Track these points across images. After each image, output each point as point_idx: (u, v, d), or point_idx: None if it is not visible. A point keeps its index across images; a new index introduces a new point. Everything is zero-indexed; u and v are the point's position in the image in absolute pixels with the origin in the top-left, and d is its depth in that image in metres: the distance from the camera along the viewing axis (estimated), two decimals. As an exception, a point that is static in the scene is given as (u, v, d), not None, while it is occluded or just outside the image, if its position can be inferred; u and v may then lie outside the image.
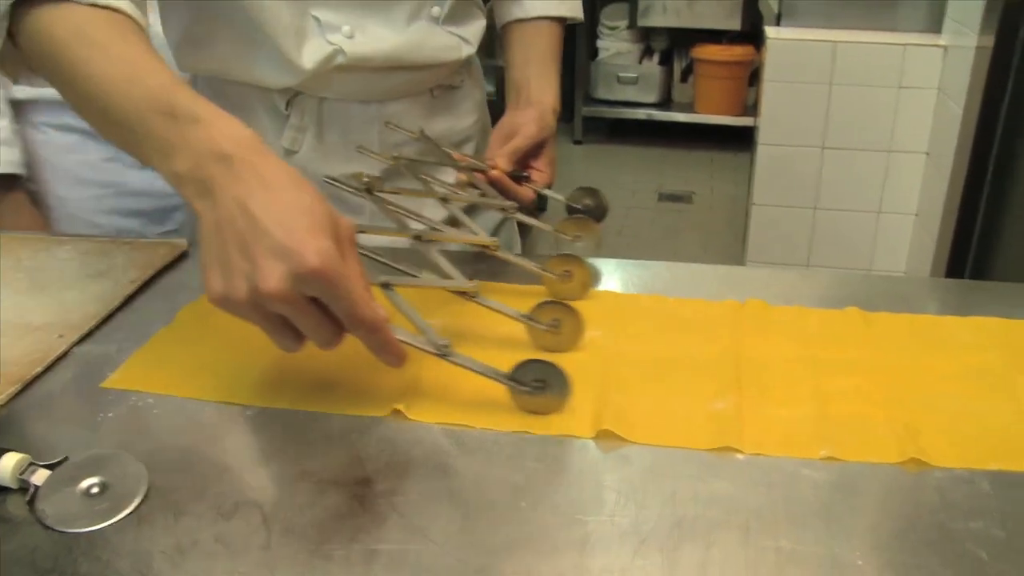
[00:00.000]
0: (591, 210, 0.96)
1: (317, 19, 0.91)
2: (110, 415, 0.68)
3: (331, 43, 0.91)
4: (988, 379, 0.71)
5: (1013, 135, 1.60)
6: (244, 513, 0.57)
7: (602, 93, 3.91)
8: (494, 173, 0.93)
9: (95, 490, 0.59)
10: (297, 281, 0.57)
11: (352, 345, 0.61)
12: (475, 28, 1.02)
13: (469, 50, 1.01)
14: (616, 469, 0.61)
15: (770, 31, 2.13)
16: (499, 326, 0.76)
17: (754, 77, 3.59)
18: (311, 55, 0.91)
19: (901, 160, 2.11)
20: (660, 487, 0.59)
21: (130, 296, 0.84)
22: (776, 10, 2.15)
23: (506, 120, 1.00)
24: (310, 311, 0.59)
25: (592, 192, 0.97)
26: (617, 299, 0.83)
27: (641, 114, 3.83)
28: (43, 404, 0.69)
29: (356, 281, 0.59)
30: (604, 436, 0.64)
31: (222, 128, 0.62)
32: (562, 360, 0.67)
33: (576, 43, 3.76)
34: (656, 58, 3.81)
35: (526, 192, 0.95)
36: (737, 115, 3.67)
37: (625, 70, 3.84)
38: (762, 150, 2.19)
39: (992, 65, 1.59)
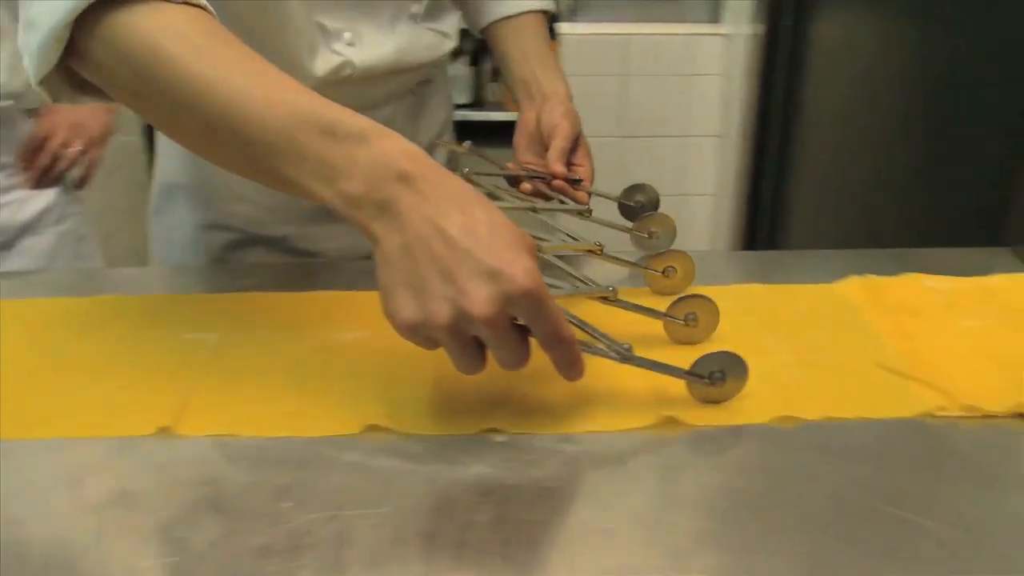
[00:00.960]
0: (646, 205, 0.97)
1: (321, 25, 0.88)
2: None
3: (337, 53, 0.89)
4: (737, 342, 0.74)
5: (789, 114, 1.70)
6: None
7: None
8: (557, 183, 0.93)
9: None
10: (507, 303, 0.55)
11: (108, 363, 0.59)
12: (452, 21, 1.01)
13: (450, 44, 1.00)
14: (381, 461, 0.62)
15: (564, 27, 2.20)
16: (631, 326, 0.76)
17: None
18: (322, 63, 0.89)
19: (696, 144, 2.21)
20: (421, 474, 0.60)
21: None
22: (572, 5, 2.23)
23: (528, 119, 0.98)
24: (511, 333, 0.57)
25: (641, 188, 0.97)
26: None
27: (455, 116, 3.84)
28: None
29: (552, 299, 0.58)
30: (373, 431, 0.65)
31: (393, 145, 0.58)
32: (330, 362, 0.67)
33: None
34: (466, 59, 3.84)
35: (582, 195, 0.94)
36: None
37: (438, 72, 3.85)
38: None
39: (765, 51, 1.69)
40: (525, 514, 0.57)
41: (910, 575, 0.53)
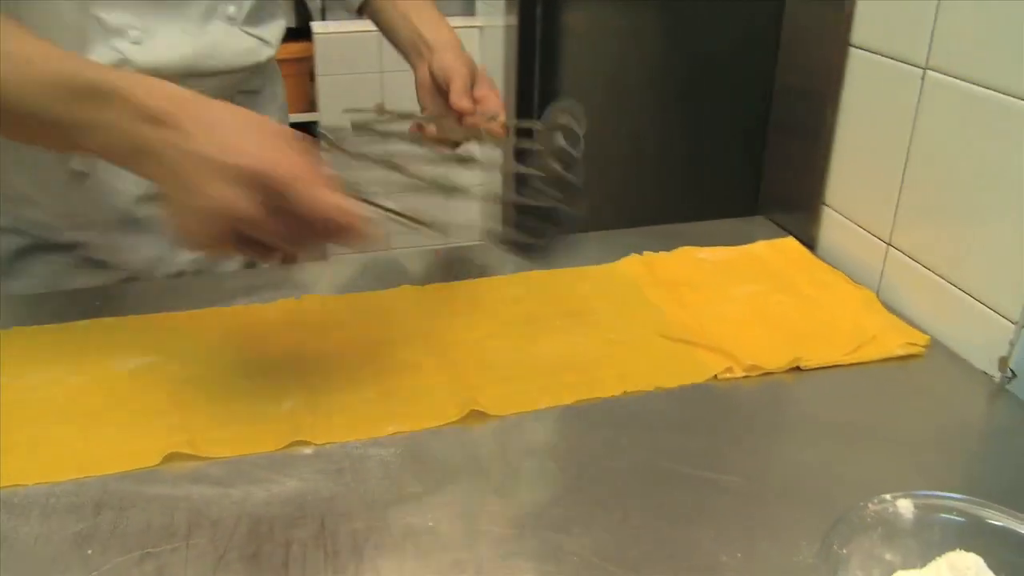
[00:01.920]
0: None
1: (100, 20, 0.81)
2: None
3: (116, 50, 0.82)
4: (530, 327, 0.77)
5: (548, 101, 1.76)
6: None
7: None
8: (469, 119, 0.88)
9: None
10: (241, 188, 0.56)
11: None
12: (275, 28, 0.96)
13: (269, 52, 0.95)
14: (187, 490, 0.59)
15: (317, 26, 2.16)
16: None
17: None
18: (95, 59, 0.80)
19: (460, 135, 2.24)
20: (232, 498, 0.58)
21: None
22: (320, 4, 2.19)
23: (423, 74, 0.94)
24: (270, 221, 0.58)
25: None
26: (170, 319, 0.79)
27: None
28: None
29: (310, 178, 0.58)
30: (173, 460, 0.61)
31: (145, 90, 0.60)
32: (117, 393, 0.64)
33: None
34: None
35: (496, 127, 0.90)
36: (304, 111, 3.69)
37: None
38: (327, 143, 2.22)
39: (519, 41, 1.73)
40: (346, 524, 0.56)
41: (718, 528, 0.56)
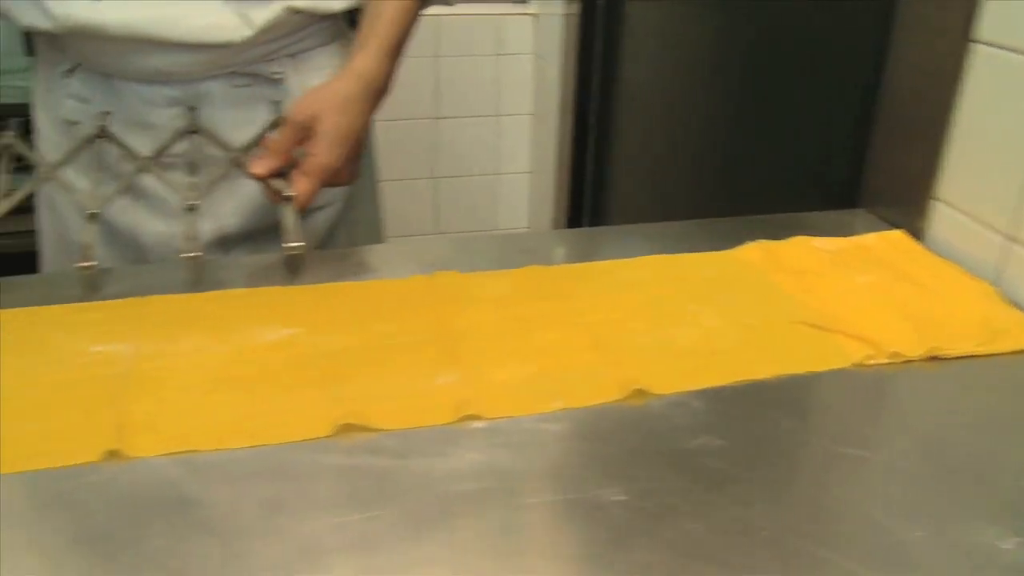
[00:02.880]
0: None
1: None
2: None
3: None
4: (665, 309, 0.77)
5: (608, 89, 1.76)
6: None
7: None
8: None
9: None
10: None
11: (37, 394, 0.52)
12: (266, 11, 0.90)
13: (246, 33, 0.90)
14: (367, 461, 0.58)
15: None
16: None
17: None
18: (62, 10, 0.83)
19: (509, 123, 2.24)
20: (414, 469, 0.58)
21: None
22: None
23: None
24: None
25: None
26: (299, 292, 0.79)
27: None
28: None
29: None
30: (344, 431, 0.61)
31: None
32: (268, 363, 0.65)
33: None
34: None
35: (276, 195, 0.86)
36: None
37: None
38: (378, 127, 2.21)
39: (581, 30, 1.73)
40: (536, 496, 0.56)
41: (900, 508, 0.56)
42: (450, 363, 0.68)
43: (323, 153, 0.84)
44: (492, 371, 0.67)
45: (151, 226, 0.99)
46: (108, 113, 0.92)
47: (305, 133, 0.84)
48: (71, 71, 0.96)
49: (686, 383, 0.67)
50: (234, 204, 0.99)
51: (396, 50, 0.92)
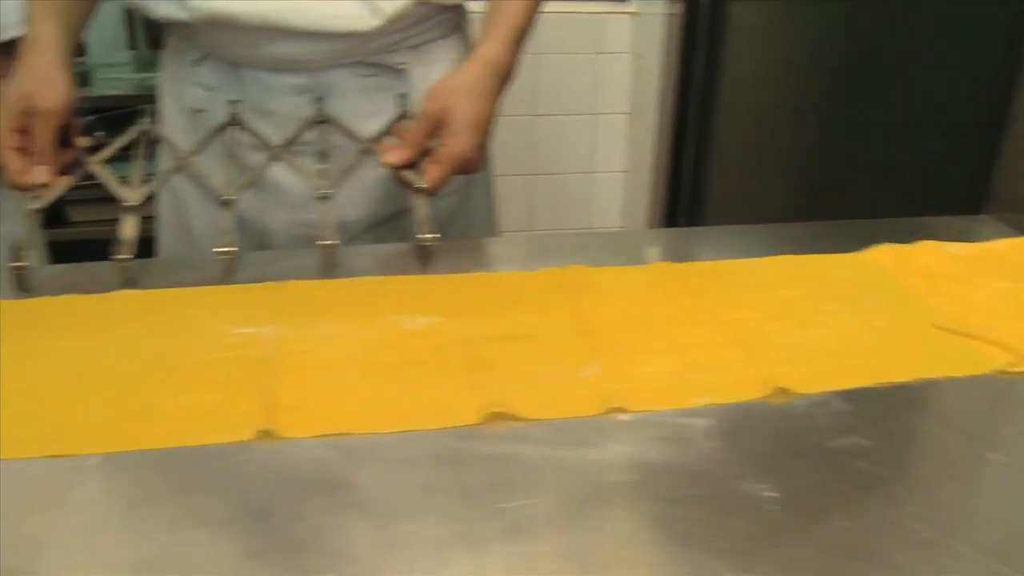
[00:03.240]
0: None
1: None
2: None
3: None
4: (800, 310, 0.77)
5: (709, 89, 1.75)
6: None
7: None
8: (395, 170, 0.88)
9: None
10: None
11: (185, 373, 0.57)
12: (395, 1, 0.92)
13: (375, 22, 0.91)
14: (518, 449, 0.59)
15: (473, 6, 2.16)
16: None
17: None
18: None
19: (605, 121, 2.24)
20: (566, 459, 0.58)
21: None
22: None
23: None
24: None
25: None
26: (443, 281, 0.80)
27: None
28: None
29: (4, 152, 0.79)
30: (490, 419, 0.61)
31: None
32: (411, 350, 0.67)
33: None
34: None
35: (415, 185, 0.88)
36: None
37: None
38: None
39: (684, 29, 1.73)
40: (690, 490, 0.56)
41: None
42: (591, 355, 0.68)
43: (457, 142, 0.85)
44: (634, 365, 0.67)
45: (275, 214, 1.01)
46: (238, 101, 0.95)
47: (437, 123, 0.86)
48: (199, 60, 0.98)
49: (827, 383, 0.66)
50: (356, 193, 1.00)
51: (521, 37, 0.93)
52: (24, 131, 0.83)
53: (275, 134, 0.93)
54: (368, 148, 0.91)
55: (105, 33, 2.74)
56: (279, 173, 0.98)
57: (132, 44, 2.92)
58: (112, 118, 2.59)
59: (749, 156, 1.65)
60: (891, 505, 0.56)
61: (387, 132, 0.93)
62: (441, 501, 0.55)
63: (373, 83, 0.98)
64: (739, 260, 0.85)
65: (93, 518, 0.53)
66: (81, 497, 0.55)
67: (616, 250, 0.89)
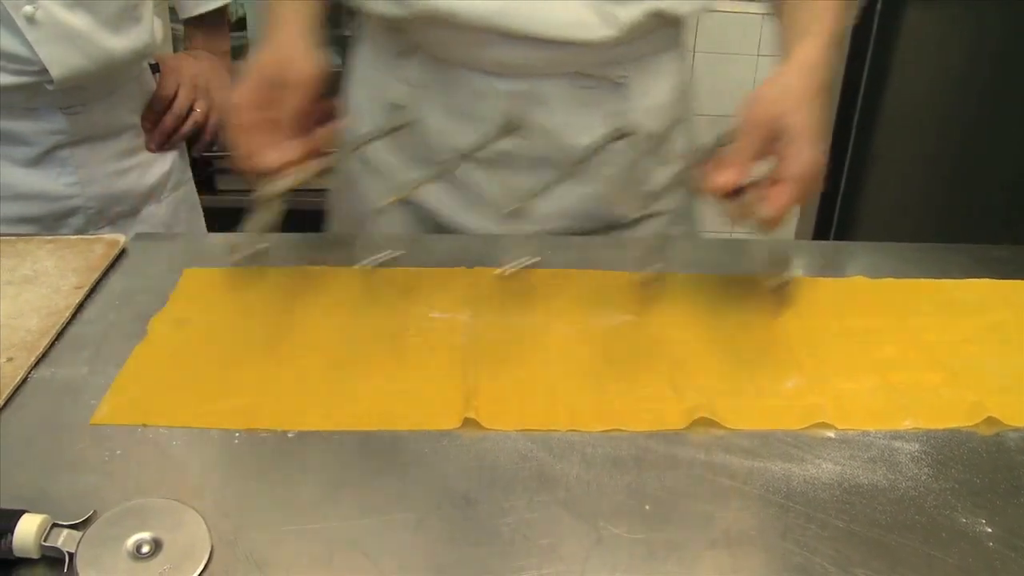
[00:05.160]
0: None
1: None
2: (118, 454, 0.57)
3: None
4: (1001, 336, 0.73)
5: (874, 99, 1.70)
6: (346, 558, 0.50)
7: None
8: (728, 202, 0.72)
9: (146, 548, 0.50)
10: None
11: (383, 355, 0.60)
12: (633, 10, 0.85)
13: (607, 32, 0.84)
14: (723, 459, 0.58)
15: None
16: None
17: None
18: None
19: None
20: (773, 473, 0.57)
21: (78, 305, 0.72)
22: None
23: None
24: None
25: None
26: (635, 278, 0.79)
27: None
28: (17, 447, 0.57)
29: (234, 128, 0.74)
30: (696, 425, 0.61)
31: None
32: (611, 348, 0.66)
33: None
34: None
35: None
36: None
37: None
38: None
39: (852, 34, 1.68)
40: (883, 516, 0.54)
41: None
42: (794, 367, 0.67)
43: (803, 157, 0.69)
44: (837, 380, 0.66)
45: (467, 216, 0.97)
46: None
47: (770, 134, 0.70)
48: (406, 55, 0.94)
49: (977, 412, 0.64)
50: (555, 210, 0.93)
51: (837, 39, 0.81)
52: (266, 106, 0.75)
53: (471, 137, 0.88)
54: (575, 164, 0.85)
55: (265, 8, 2.82)
56: (477, 176, 0.94)
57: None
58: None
59: (913, 170, 1.59)
60: (1122, 552, 0.53)
61: (597, 150, 0.85)
62: (651, 506, 0.54)
63: (587, 96, 0.91)
64: (935, 280, 0.82)
65: (296, 493, 0.55)
66: (281, 472, 0.57)
67: (805, 259, 0.86)
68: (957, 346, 0.71)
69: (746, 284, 0.79)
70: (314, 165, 0.75)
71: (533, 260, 0.76)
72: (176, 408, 0.61)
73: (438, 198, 0.96)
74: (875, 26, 1.62)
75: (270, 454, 0.58)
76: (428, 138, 0.92)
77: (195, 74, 1.10)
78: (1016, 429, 0.63)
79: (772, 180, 0.69)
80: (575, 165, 0.84)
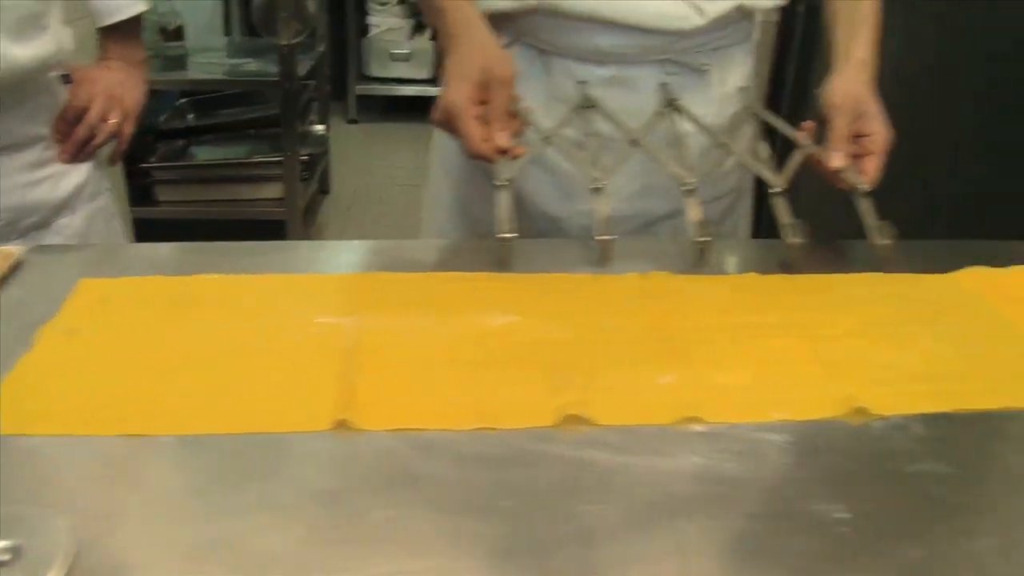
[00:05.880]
0: None
1: None
2: (-6, 465, 0.58)
3: None
4: (887, 329, 0.75)
5: (799, 101, 1.72)
6: (209, 558, 0.51)
7: (375, 71, 3.81)
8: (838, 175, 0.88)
9: (5, 557, 0.50)
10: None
11: (264, 360, 0.60)
12: (720, 4, 0.95)
13: (697, 21, 0.94)
14: (590, 454, 0.59)
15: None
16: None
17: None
18: None
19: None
20: (638, 467, 0.58)
21: (-38, 319, 0.72)
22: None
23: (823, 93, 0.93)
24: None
25: None
26: (523, 280, 0.81)
27: (414, 90, 3.80)
28: None
29: (467, 121, 0.83)
30: (565, 422, 0.62)
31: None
32: (492, 349, 0.67)
33: (346, 20, 3.67)
34: (427, 33, 3.78)
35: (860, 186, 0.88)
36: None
37: (397, 46, 3.77)
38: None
39: (779, 37, 1.70)
40: (756, 507, 0.56)
41: None
42: (671, 363, 0.68)
43: (884, 129, 0.87)
44: (713, 375, 0.67)
45: (561, 203, 1.04)
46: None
47: (857, 116, 0.88)
48: (507, 45, 1.00)
49: (909, 406, 0.65)
50: (628, 188, 1.01)
51: (879, 37, 0.96)
52: (480, 103, 0.86)
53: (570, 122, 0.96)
54: (635, 140, 0.92)
55: (202, 18, 2.82)
56: (564, 161, 0.99)
57: (227, 31, 3.00)
58: (204, 102, 2.67)
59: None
60: (967, 536, 0.54)
61: (654, 125, 0.94)
62: (512, 501, 0.55)
63: (676, 81, 1.00)
64: (826, 275, 0.83)
65: (166, 496, 0.55)
66: (155, 476, 0.57)
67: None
68: (839, 340, 0.73)
69: (631, 282, 0.80)
70: (522, 151, 0.87)
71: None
72: (54, 417, 0.61)
73: (535, 186, 1.03)
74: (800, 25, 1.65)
75: (144, 459, 0.58)
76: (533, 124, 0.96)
77: (109, 85, 1.09)
78: (883, 418, 0.64)
79: (867, 153, 0.87)
80: (643, 137, 0.92)
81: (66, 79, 1.09)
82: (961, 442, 0.63)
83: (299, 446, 0.60)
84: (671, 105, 0.96)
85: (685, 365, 0.68)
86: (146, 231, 1.17)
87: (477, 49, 0.88)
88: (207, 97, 2.67)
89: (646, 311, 0.75)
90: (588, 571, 0.50)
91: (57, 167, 1.06)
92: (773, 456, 0.60)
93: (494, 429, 0.61)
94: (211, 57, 2.52)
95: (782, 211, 0.87)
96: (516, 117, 0.88)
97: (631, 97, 0.98)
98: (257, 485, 0.56)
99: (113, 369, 0.66)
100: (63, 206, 1.07)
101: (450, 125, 0.86)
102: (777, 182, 0.87)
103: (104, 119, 1.08)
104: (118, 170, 2.23)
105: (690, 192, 0.86)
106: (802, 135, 0.92)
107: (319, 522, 0.54)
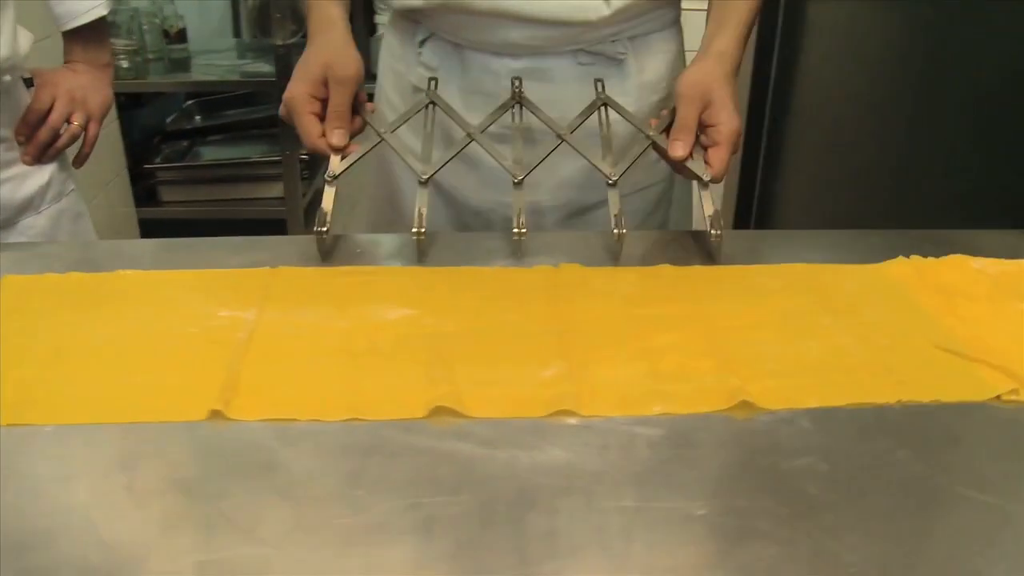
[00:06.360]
0: None
1: None
2: None
3: None
4: (795, 321, 0.73)
5: (784, 92, 1.70)
6: (57, 543, 0.51)
7: (384, 70, 3.83)
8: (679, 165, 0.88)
9: None
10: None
11: (138, 344, 0.59)
12: None
13: (603, 12, 0.95)
14: (453, 446, 0.59)
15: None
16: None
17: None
18: None
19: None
20: (498, 460, 0.57)
21: None
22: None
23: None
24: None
25: None
26: (428, 274, 0.80)
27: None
28: None
29: (304, 116, 0.87)
30: (438, 414, 0.61)
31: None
32: (380, 341, 0.66)
33: (353, 20, 3.68)
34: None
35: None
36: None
37: (406, 47, 3.78)
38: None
39: (759, 30, 1.67)
40: (613, 501, 0.54)
41: (1000, 560, 0.51)
42: (559, 356, 0.67)
43: (731, 120, 0.85)
44: (599, 368, 0.66)
45: (482, 194, 1.05)
46: (434, 79, 0.98)
47: (704, 105, 0.86)
48: (423, 42, 1.03)
49: (798, 400, 0.63)
50: (553, 180, 1.03)
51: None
52: (320, 99, 0.89)
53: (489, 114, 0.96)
54: (563, 136, 0.91)
55: (210, 20, 2.84)
56: (483, 155, 0.98)
57: (236, 32, 3.03)
58: (211, 103, 2.69)
59: (822, 161, 1.59)
60: (830, 534, 0.53)
61: (580, 123, 0.93)
62: (363, 492, 0.55)
63: (591, 71, 1.00)
64: (743, 267, 0.82)
65: (32, 487, 0.56)
66: (25, 465, 0.57)
67: (642, 250, 0.87)
68: (743, 332, 0.71)
69: (540, 275, 0.79)
70: (356, 148, 0.89)
71: None
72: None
73: (459, 178, 1.04)
74: (780, 20, 1.63)
75: (26, 449, 0.59)
76: (446, 118, 0.97)
77: (72, 87, 1.11)
78: (770, 412, 0.63)
79: (710, 144, 0.86)
80: (568, 133, 0.91)
81: (29, 83, 1.11)
82: (847, 438, 0.61)
83: (171, 436, 0.60)
84: (600, 98, 0.95)
85: (572, 358, 0.67)
86: (151, 231, 1.18)
87: (324, 48, 0.91)
88: (214, 99, 2.70)
89: (548, 304, 0.74)
90: (420, 561, 0.50)
91: (20, 168, 1.08)
92: (641, 450, 0.59)
93: (365, 420, 0.61)
94: (215, 59, 2.54)
95: (706, 201, 0.85)
96: (358, 116, 0.91)
97: (548, 88, 0.98)
98: (120, 474, 0.57)
99: (3, 360, 0.67)
100: (27, 206, 1.08)
101: (290, 119, 0.90)
102: (694, 173, 0.86)
103: (67, 120, 1.09)
104: (123, 171, 2.27)
105: (611, 185, 0.85)
106: (650, 125, 0.91)
107: (171, 510, 0.54)
